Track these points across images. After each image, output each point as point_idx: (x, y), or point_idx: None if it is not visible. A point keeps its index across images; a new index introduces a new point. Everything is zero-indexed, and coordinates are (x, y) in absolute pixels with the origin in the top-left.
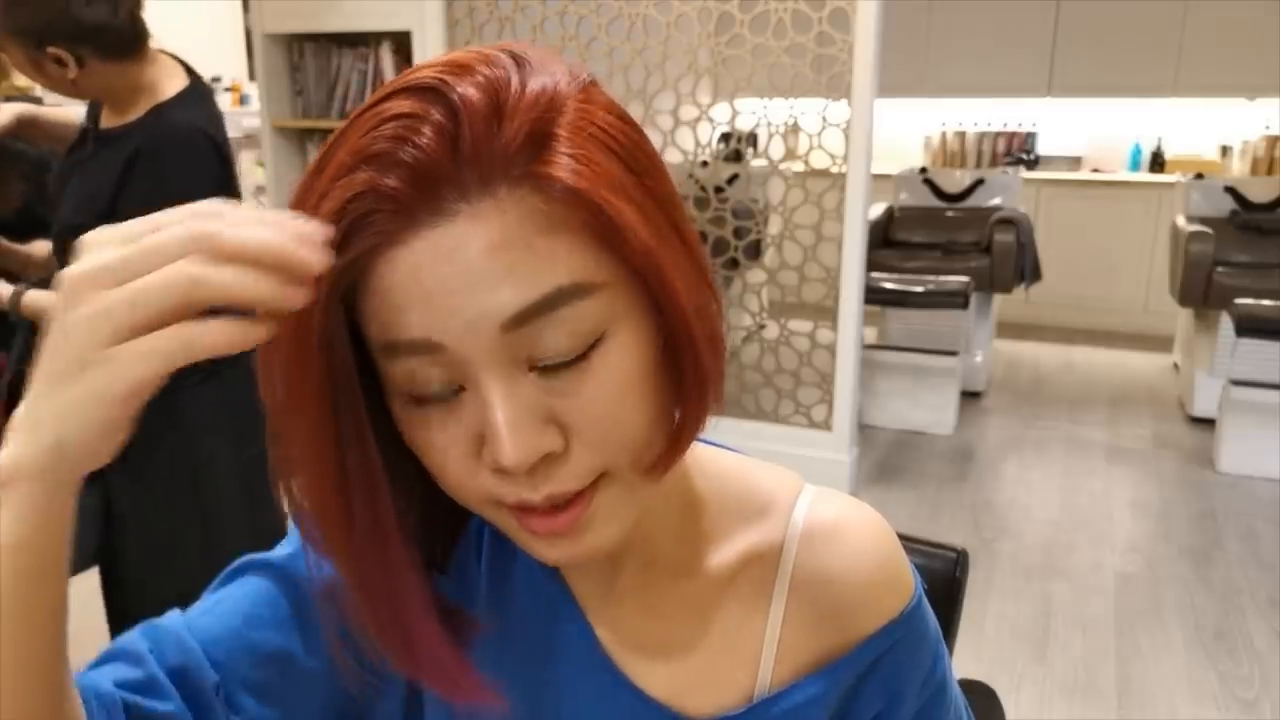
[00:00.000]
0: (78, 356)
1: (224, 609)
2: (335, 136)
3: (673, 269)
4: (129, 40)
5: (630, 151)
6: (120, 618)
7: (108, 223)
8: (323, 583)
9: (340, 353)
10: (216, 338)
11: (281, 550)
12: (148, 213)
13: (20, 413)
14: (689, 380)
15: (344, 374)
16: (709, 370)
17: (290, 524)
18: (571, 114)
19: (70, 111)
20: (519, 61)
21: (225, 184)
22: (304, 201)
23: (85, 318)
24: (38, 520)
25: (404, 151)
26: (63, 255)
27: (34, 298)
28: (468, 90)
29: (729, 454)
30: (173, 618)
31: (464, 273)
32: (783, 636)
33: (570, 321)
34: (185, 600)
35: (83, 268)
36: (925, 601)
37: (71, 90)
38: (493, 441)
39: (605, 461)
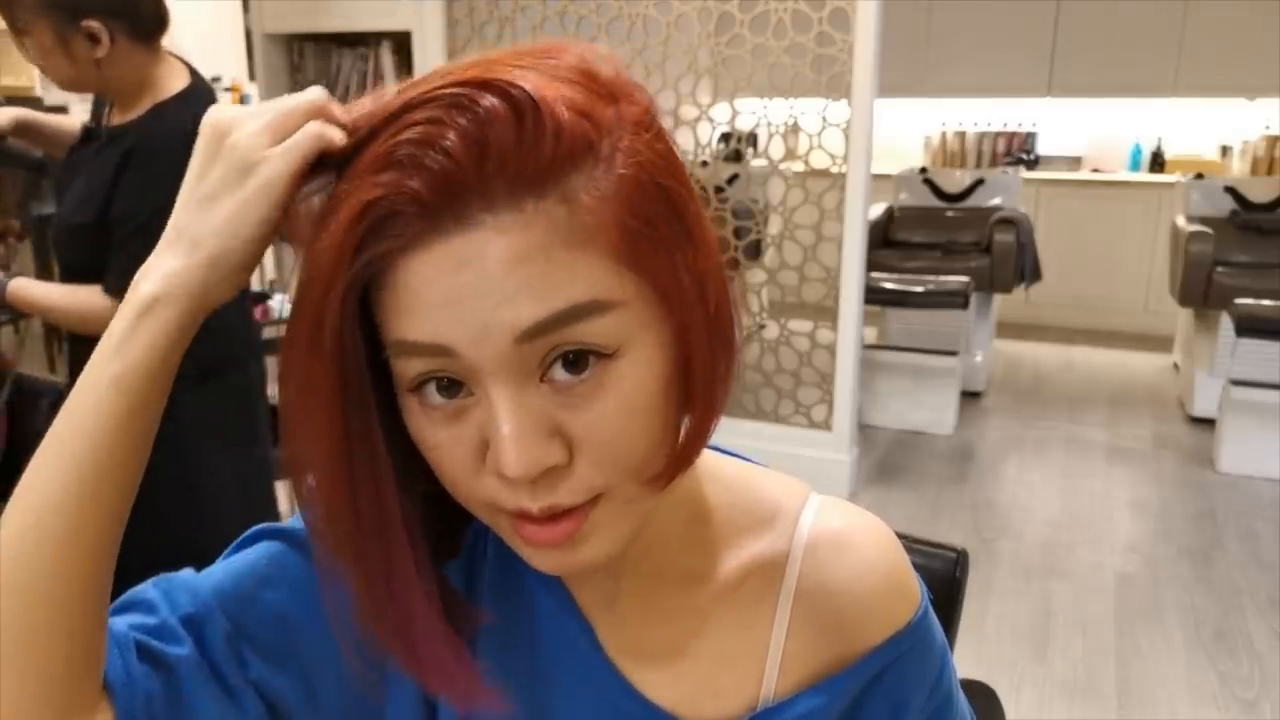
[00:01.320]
0: (242, 164)
1: (237, 568)
2: (368, 131)
3: (693, 287)
4: (156, 22)
5: (664, 176)
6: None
7: (105, 220)
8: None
9: (352, 346)
10: (334, 133)
11: (297, 521)
12: (139, 210)
13: (170, 236)
14: (699, 393)
15: (355, 368)
16: (721, 384)
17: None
18: (610, 134)
19: (67, 119)
20: (563, 67)
21: None
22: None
23: (250, 133)
24: (169, 349)
25: (429, 157)
26: (61, 252)
27: (20, 285)
28: (495, 100)
29: (736, 461)
30: (186, 572)
31: (481, 282)
32: (787, 646)
33: (585, 337)
34: None
35: (226, 111)
36: (931, 611)
37: (91, 75)
38: (497, 450)
39: (607, 478)
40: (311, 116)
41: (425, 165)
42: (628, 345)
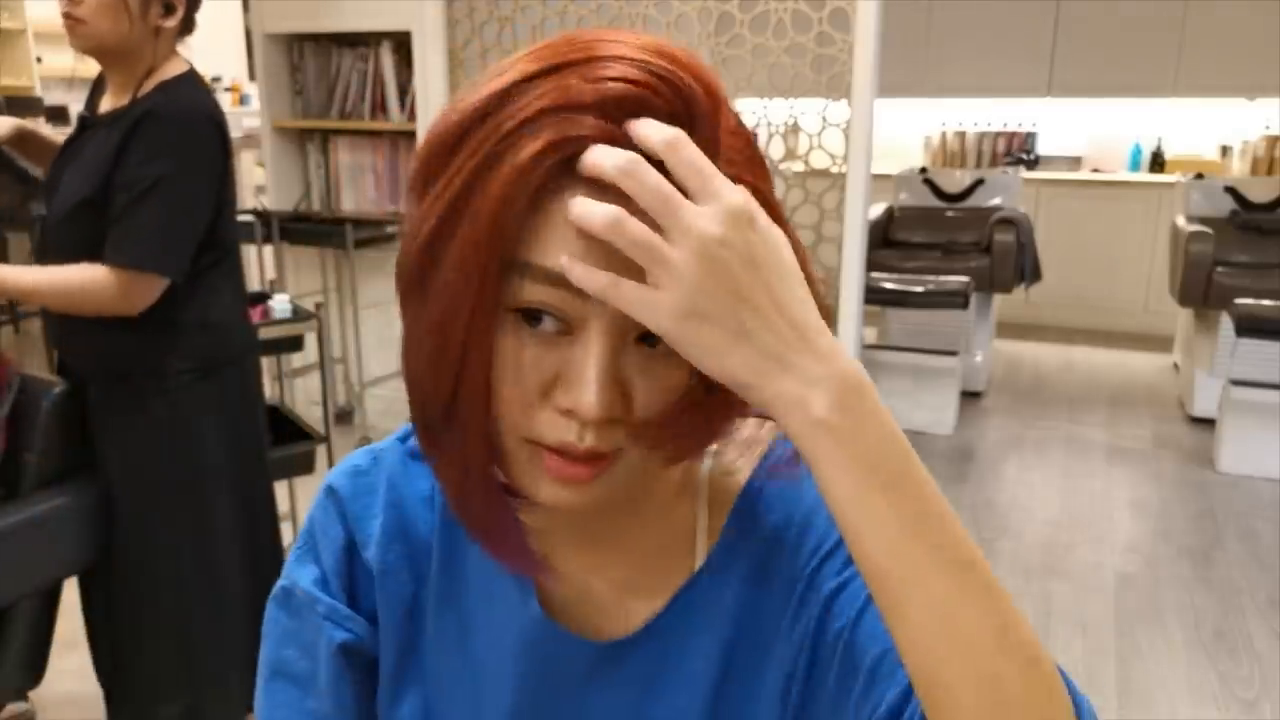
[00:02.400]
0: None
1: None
2: (560, 56)
3: None
4: (193, 21)
5: (763, 165)
6: (106, 615)
7: (106, 190)
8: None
9: (499, 247)
10: None
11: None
12: (142, 176)
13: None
14: (732, 397)
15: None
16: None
17: (290, 557)
18: (726, 121)
19: (60, 134)
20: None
21: (225, 171)
22: (506, 103)
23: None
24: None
25: (640, 108)
26: (52, 243)
27: (4, 271)
28: (696, 84)
29: None
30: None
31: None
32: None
33: None
34: (170, 604)
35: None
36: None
37: (135, 42)
38: (579, 388)
39: (635, 439)
40: None
41: (632, 114)
42: None
